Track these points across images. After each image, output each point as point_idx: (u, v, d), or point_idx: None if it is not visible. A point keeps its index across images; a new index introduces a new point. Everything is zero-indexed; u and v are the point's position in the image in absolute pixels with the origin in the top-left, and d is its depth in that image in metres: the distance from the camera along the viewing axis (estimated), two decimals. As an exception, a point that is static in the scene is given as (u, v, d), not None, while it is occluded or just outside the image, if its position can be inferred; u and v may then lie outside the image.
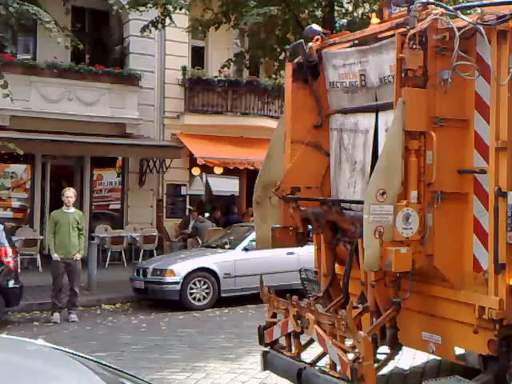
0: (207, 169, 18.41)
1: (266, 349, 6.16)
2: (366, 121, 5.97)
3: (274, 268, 11.85)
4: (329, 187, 6.41)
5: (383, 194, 4.95)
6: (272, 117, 18.17)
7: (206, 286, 11.85)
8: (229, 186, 19.94)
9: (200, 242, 15.52)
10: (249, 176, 17.90)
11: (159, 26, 14.41)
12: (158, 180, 18.18)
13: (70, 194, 10.61)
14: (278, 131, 6.62)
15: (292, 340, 5.93)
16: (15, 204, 17.47)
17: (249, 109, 18.51)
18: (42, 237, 15.91)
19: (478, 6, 5.66)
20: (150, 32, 14.57)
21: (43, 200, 16.83)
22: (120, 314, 11.35)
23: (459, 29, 5.02)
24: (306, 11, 14.13)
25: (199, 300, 11.76)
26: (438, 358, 6.80)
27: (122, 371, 2.94)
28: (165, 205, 18.09)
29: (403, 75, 5.10)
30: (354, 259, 5.86)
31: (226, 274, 12.06)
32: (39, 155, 16.54)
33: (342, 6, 14.62)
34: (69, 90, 16.25)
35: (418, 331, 5.66)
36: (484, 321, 5.03)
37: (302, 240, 6.38)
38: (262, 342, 6.19)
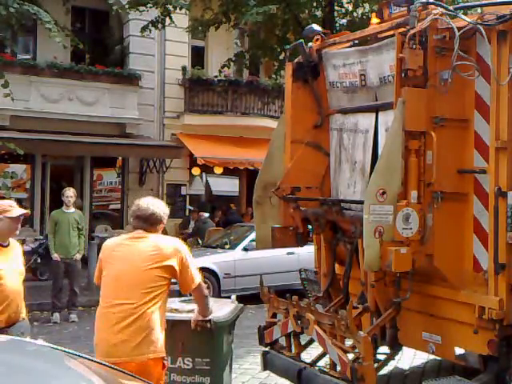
0: (207, 169, 18.40)
1: (266, 349, 6.16)
2: (365, 121, 5.97)
3: (273, 268, 11.85)
4: (329, 187, 6.41)
5: (383, 193, 4.96)
6: (272, 117, 18.16)
7: (205, 286, 11.82)
8: (229, 185, 19.93)
9: (200, 241, 15.52)
10: (249, 176, 17.89)
11: (159, 25, 14.41)
12: (158, 180, 18.17)
13: (70, 193, 10.60)
14: (277, 131, 6.61)
15: (292, 340, 5.93)
16: (15, 204, 17.44)
17: (249, 109, 18.50)
18: (41, 237, 15.89)
19: (478, 5, 5.66)
20: (150, 32, 14.57)
21: (43, 200, 16.81)
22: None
23: (459, 29, 5.02)
24: (306, 11, 14.13)
25: (199, 300, 11.74)
26: (438, 358, 6.80)
27: (121, 371, 2.94)
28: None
29: (403, 75, 5.10)
30: (354, 259, 5.86)
31: (226, 274, 12.05)
32: (39, 155, 16.52)
33: (342, 6, 14.61)
34: (69, 90, 16.23)
35: (418, 331, 5.65)
36: (484, 321, 5.03)
37: (302, 240, 6.38)
38: (261, 342, 6.19)
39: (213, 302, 4.84)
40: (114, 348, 4.03)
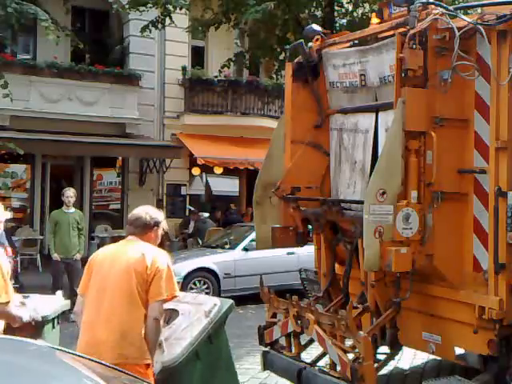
0: (207, 169, 18.41)
1: (266, 349, 6.15)
2: (366, 121, 5.97)
3: (274, 268, 11.84)
4: (329, 187, 6.40)
5: (383, 193, 4.95)
6: (272, 117, 18.16)
7: (205, 286, 11.84)
8: (229, 185, 19.93)
9: (200, 241, 15.53)
10: (249, 176, 17.89)
11: (159, 25, 14.42)
12: (158, 180, 18.18)
13: (70, 193, 10.60)
14: (277, 131, 6.61)
15: (292, 340, 5.93)
16: (15, 204, 17.45)
17: (249, 109, 18.51)
18: (41, 237, 15.90)
19: (478, 5, 5.66)
20: (150, 32, 14.58)
21: (43, 200, 16.82)
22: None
23: (459, 29, 5.02)
24: (306, 11, 14.13)
25: (199, 300, 11.74)
26: (438, 358, 6.80)
27: (122, 371, 2.94)
28: (165, 205, 18.09)
29: (403, 75, 5.10)
30: (354, 259, 5.86)
31: (226, 274, 12.05)
32: (39, 155, 16.53)
33: (342, 6, 14.63)
34: (69, 90, 16.24)
35: (418, 331, 5.65)
36: (484, 321, 5.03)
37: (301, 240, 6.38)
38: (261, 342, 6.19)
39: (182, 320, 4.52)
40: (93, 349, 4.00)
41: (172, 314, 4.71)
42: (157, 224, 4.37)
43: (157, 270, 4.08)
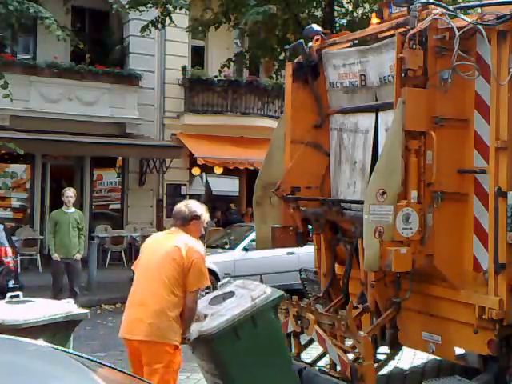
0: (207, 169, 18.40)
1: (266, 349, 6.15)
2: (365, 121, 5.97)
3: (274, 268, 11.85)
4: (329, 187, 6.41)
5: (383, 193, 4.96)
6: (272, 117, 18.15)
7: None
8: (229, 185, 19.93)
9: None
10: (249, 176, 17.89)
11: (159, 25, 14.40)
12: (158, 180, 18.16)
13: (70, 193, 10.59)
14: (277, 131, 6.62)
15: (292, 340, 5.93)
16: (15, 204, 17.45)
17: (249, 109, 18.50)
18: (41, 237, 15.89)
19: (478, 5, 5.66)
20: (150, 32, 14.56)
21: (43, 200, 16.81)
22: (120, 314, 11.10)
23: (459, 29, 5.02)
24: (306, 11, 14.13)
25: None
26: (438, 358, 6.80)
27: (122, 371, 2.94)
28: (165, 205, 18.07)
29: (403, 75, 5.10)
30: (354, 259, 5.86)
31: (225, 274, 12.02)
32: (39, 155, 16.52)
33: (342, 6, 14.61)
34: (69, 90, 16.22)
35: (418, 331, 5.66)
36: (484, 321, 5.03)
37: (301, 240, 6.38)
38: (261, 341, 6.18)
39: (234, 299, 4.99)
40: (130, 325, 4.57)
41: (230, 296, 5.12)
42: (195, 217, 4.76)
43: (193, 262, 4.52)
